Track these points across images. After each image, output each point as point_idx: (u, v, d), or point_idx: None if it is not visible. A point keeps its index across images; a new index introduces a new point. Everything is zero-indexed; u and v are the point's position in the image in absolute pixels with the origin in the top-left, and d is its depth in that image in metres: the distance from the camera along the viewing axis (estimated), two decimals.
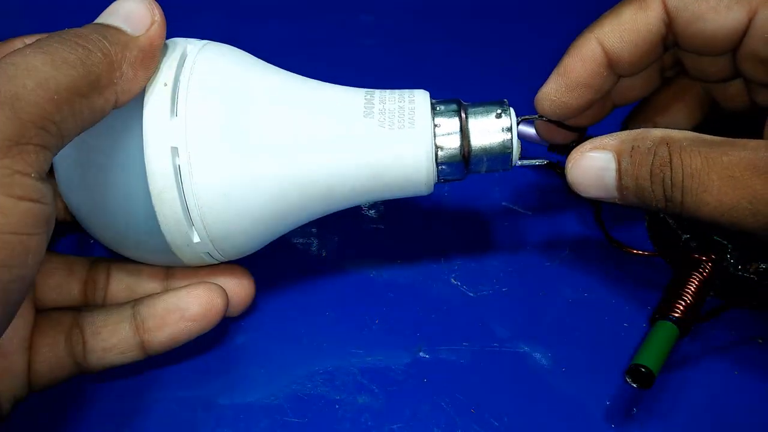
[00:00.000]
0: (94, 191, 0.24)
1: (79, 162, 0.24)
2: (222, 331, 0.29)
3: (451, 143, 0.25)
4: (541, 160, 0.29)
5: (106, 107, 0.21)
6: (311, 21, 0.45)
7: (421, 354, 0.28)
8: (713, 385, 0.27)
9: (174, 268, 0.28)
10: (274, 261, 0.30)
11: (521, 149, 0.26)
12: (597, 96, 0.28)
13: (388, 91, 0.26)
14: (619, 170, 0.24)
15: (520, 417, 0.26)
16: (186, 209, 0.24)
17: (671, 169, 0.23)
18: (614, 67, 0.27)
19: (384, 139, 0.25)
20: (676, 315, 0.26)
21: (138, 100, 0.23)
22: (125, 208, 0.24)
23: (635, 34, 0.26)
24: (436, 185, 0.26)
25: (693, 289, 0.27)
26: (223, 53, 0.25)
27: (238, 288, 0.27)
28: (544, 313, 0.30)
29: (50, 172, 0.20)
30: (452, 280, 0.31)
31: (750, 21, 0.25)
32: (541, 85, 0.28)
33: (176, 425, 0.26)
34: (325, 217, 0.27)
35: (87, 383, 0.27)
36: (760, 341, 0.28)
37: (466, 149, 0.26)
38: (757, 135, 0.25)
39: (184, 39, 0.25)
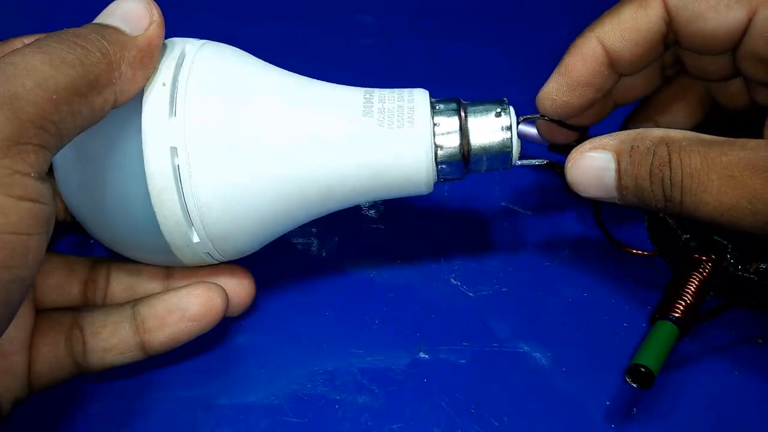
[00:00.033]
0: (94, 191, 0.24)
1: (78, 162, 0.24)
2: (222, 331, 0.29)
3: (451, 142, 0.25)
4: (540, 160, 0.29)
5: (105, 107, 0.21)
6: (310, 21, 0.45)
7: (421, 354, 0.28)
8: (713, 385, 0.27)
9: (174, 268, 0.28)
10: (274, 261, 0.30)
11: (521, 149, 0.26)
12: (598, 95, 0.28)
13: (387, 90, 0.26)
14: (618, 170, 0.24)
15: (520, 417, 0.26)
16: (185, 209, 0.24)
17: (670, 168, 0.23)
18: (615, 66, 0.27)
19: (383, 138, 0.25)
20: (676, 315, 0.26)
21: (137, 100, 0.23)
22: (124, 209, 0.24)
23: (636, 32, 0.26)
24: (435, 184, 0.26)
25: (693, 289, 0.27)
26: (221, 53, 0.25)
27: (238, 288, 0.27)
28: (544, 313, 0.30)
29: (50, 172, 0.20)
30: (452, 280, 0.31)
31: (750, 20, 0.25)
32: (541, 84, 0.28)
33: (176, 425, 0.26)
34: (325, 217, 0.27)
35: (87, 383, 0.27)
36: (760, 341, 0.28)
37: (465, 148, 0.26)
38: (757, 134, 0.25)
39: (183, 39, 0.25)
